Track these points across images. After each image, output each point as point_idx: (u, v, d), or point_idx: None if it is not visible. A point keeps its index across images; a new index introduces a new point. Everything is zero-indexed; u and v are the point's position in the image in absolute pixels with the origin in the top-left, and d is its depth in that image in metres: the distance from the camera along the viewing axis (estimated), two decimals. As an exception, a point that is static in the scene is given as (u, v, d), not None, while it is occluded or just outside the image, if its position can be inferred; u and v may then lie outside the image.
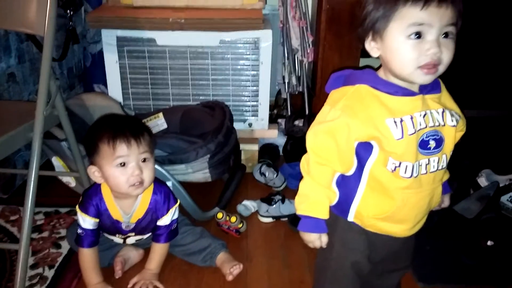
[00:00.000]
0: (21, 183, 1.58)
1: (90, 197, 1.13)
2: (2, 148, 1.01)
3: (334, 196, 0.81)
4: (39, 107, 1.07)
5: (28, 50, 1.59)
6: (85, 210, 1.12)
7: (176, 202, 1.20)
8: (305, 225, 0.80)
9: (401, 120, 0.72)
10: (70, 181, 1.49)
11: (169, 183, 1.29)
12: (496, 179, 1.53)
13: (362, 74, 0.77)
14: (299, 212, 0.80)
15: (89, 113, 1.57)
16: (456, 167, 0.92)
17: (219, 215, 1.37)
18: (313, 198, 0.79)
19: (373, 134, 0.73)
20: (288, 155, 1.81)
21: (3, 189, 1.52)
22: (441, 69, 0.71)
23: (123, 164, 1.06)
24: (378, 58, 0.77)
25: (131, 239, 1.22)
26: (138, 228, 1.19)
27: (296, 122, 1.82)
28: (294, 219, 1.37)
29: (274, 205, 1.45)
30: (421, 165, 0.75)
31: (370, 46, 0.76)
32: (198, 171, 1.42)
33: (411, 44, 0.69)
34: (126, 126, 1.09)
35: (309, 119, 1.76)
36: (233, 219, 1.36)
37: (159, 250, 1.19)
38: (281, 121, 1.90)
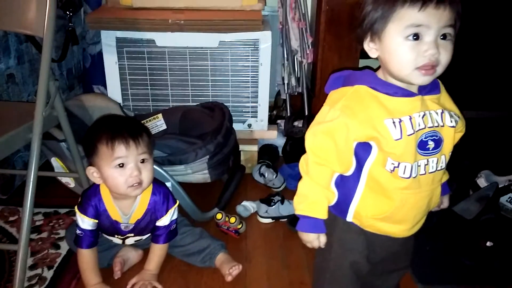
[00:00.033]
0: (20, 184, 1.58)
1: (89, 197, 1.13)
2: (1, 149, 1.01)
3: (332, 196, 0.82)
4: (38, 108, 1.07)
5: (28, 51, 1.60)
6: (83, 211, 1.12)
7: (175, 202, 1.20)
8: (303, 225, 0.81)
9: (400, 121, 0.72)
10: (69, 181, 1.49)
11: (168, 184, 1.29)
12: (495, 180, 1.53)
13: (361, 75, 0.77)
14: (298, 212, 0.80)
15: (88, 114, 1.58)
16: (456, 168, 0.92)
17: (219, 216, 1.38)
18: (312, 198, 0.79)
19: (372, 135, 0.73)
20: (288, 156, 1.82)
21: (2, 189, 1.52)
22: (439, 70, 0.71)
23: (121, 165, 1.06)
24: (377, 59, 0.77)
25: (130, 240, 1.22)
26: (137, 229, 1.19)
27: (296, 123, 1.82)
28: (294, 219, 1.38)
29: (273, 206, 1.45)
30: (420, 166, 0.75)
31: (369, 47, 0.76)
32: (198, 172, 1.42)
33: (409, 45, 0.69)
34: (124, 127, 1.09)
35: (309, 120, 1.76)
36: (233, 219, 1.36)
37: (158, 251, 1.19)
38: (281, 122, 1.90)
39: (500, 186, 1.48)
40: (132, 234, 1.20)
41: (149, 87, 1.72)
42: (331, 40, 1.75)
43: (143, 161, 1.09)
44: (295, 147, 1.79)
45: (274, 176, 1.63)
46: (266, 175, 1.64)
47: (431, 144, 0.75)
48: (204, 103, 1.69)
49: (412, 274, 1.21)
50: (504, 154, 1.83)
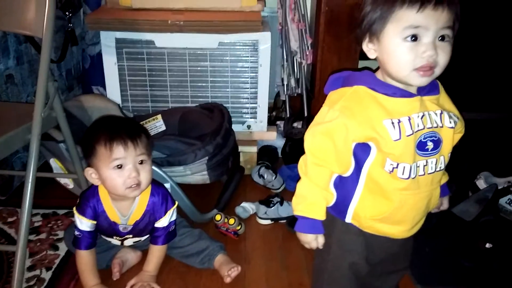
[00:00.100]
0: (19, 185, 1.57)
1: (87, 198, 1.13)
2: (0, 150, 1.00)
3: (331, 197, 0.82)
4: (37, 108, 1.07)
5: (27, 51, 1.59)
6: (82, 212, 1.12)
7: (174, 203, 1.19)
8: (302, 225, 0.81)
9: (399, 121, 0.72)
10: (68, 182, 1.48)
11: (167, 185, 1.29)
12: (494, 182, 1.53)
13: (360, 76, 0.77)
14: (296, 212, 0.81)
15: (87, 115, 1.57)
16: (455, 170, 0.92)
17: (218, 217, 1.37)
18: (310, 199, 0.79)
19: (371, 135, 0.73)
20: (287, 157, 1.81)
21: (1, 190, 1.52)
22: (437, 71, 0.71)
23: (120, 166, 1.06)
24: (375, 60, 0.77)
25: (129, 241, 1.22)
26: (136, 230, 1.18)
27: (295, 124, 1.82)
28: (293, 221, 1.37)
29: (272, 207, 1.45)
30: (418, 167, 0.75)
31: (367, 47, 0.76)
32: (197, 173, 1.42)
33: (407, 47, 0.69)
34: (123, 128, 1.09)
35: (308, 121, 1.76)
36: (232, 221, 1.36)
37: (157, 252, 1.18)
38: (280, 123, 1.90)
39: (499, 187, 1.48)
40: (131, 235, 1.20)
41: (148, 88, 1.72)
42: (331, 41, 1.75)
43: (141, 162, 1.08)
44: (295, 148, 1.79)
45: (274, 177, 1.63)
46: (265, 176, 1.64)
47: (430, 145, 0.74)
48: (203, 104, 1.69)
49: (411, 275, 1.21)
50: (503, 156, 1.83)
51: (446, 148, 0.77)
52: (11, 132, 1.03)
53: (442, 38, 0.69)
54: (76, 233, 1.13)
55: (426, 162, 0.75)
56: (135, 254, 1.25)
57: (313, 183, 0.78)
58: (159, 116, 1.67)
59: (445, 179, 0.86)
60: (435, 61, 0.69)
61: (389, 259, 0.88)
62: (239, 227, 1.37)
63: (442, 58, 0.70)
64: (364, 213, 0.80)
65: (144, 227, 1.18)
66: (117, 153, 1.05)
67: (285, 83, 1.88)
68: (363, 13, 0.74)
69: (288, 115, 1.91)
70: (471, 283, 1.21)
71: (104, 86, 1.76)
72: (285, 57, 1.86)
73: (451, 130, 0.76)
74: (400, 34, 0.69)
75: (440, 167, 0.77)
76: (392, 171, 0.74)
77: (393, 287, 0.97)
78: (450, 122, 0.76)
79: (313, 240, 0.81)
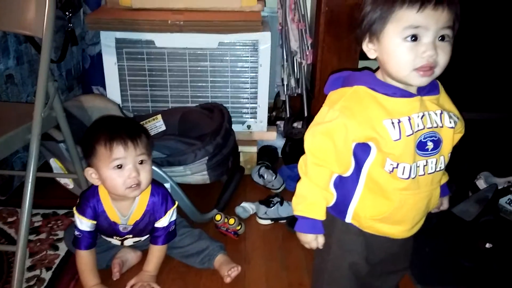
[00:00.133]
0: (19, 185, 1.57)
1: (87, 199, 1.13)
2: (0, 150, 1.00)
3: (331, 197, 0.82)
4: (37, 108, 1.07)
5: (27, 51, 1.59)
6: (82, 212, 1.12)
7: (174, 203, 1.19)
8: (302, 225, 0.81)
9: (399, 121, 0.72)
10: (68, 182, 1.48)
11: (167, 185, 1.29)
12: (494, 182, 1.53)
13: (360, 76, 0.77)
14: (296, 212, 0.81)
15: (87, 115, 1.57)
16: (455, 169, 0.92)
17: (218, 217, 1.37)
18: (310, 199, 0.79)
19: (371, 135, 0.73)
20: (287, 157, 1.81)
21: (1, 190, 1.52)
22: (437, 71, 0.71)
23: (120, 166, 1.06)
24: (375, 60, 0.77)
25: (129, 241, 1.22)
26: (136, 230, 1.18)
27: (295, 124, 1.82)
28: (293, 221, 1.37)
29: (272, 207, 1.45)
30: (418, 167, 0.75)
31: (367, 47, 0.76)
32: (197, 173, 1.42)
33: (407, 47, 0.69)
34: (123, 128, 1.09)
35: (308, 121, 1.76)
36: (232, 221, 1.36)
37: (157, 252, 1.18)
38: (280, 123, 1.90)
39: (499, 187, 1.48)
40: (131, 235, 1.20)
41: (148, 88, 1.72)
42: (331, 41, 1.75)
43: (141, 162, 1.08)
44: (295, 148, 1.79)
45: (274, 177, 1.63)
46: (265, 176, 1.64)
47: (430, 145, 0.74)
48: (203, 104, 1.69)
49: (411, 275, 1.21)
50: (503, 156, 1.82)
51: (446, 148, 0.77)
52: (11, 132, 1.03)
53: (442, 38, 0.69)
54: (76, 233, 1.13)
55: (426, 162, 0.75)
56: (135, 254, 1.25)
57: (313, 183, 0.78)
58: (159, 116, 1.67)
59: (445, 179, 0.86)
60: (435, 61, 0.69)
61: (389, 259, 0.88)
62: (239, 227, 1.37)
63: (442, 58, 0.69)
64: (364, 213, 0.80)
65: (144, 227, 1.18)
66: (117, 153, 1.05)
67: (285, 83, 1.88)
68: (363, 13, 0.74)
69: (288, 115, 1.91)
70: (471, 283, 1.21)
71: (104, 86, 1.76)
72: (285, 57, 1.86)
73: (451, 130, 0.76)
74: (400, 34, 0.69)
75: (440, 167, 0.77)
76: (392, 171, 0.74)
77: (393, 287, 0.97)
78: (450, 122, 0.76)
79: (313, 240, 0.81)
